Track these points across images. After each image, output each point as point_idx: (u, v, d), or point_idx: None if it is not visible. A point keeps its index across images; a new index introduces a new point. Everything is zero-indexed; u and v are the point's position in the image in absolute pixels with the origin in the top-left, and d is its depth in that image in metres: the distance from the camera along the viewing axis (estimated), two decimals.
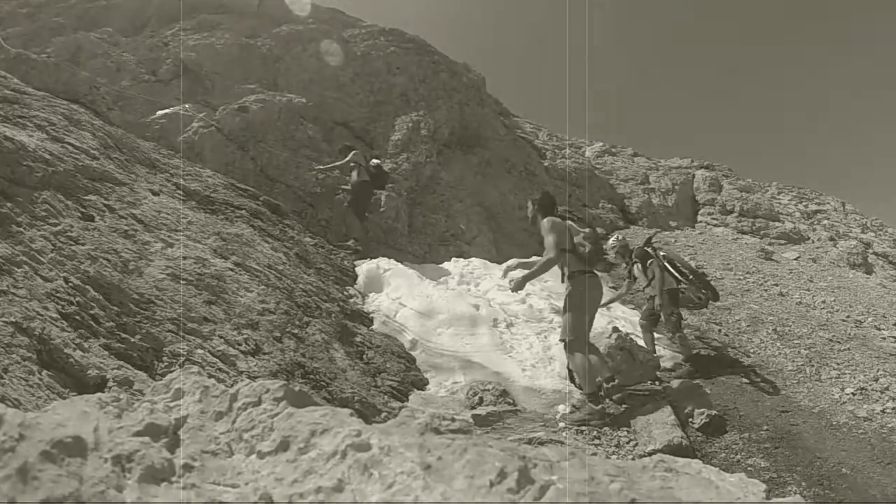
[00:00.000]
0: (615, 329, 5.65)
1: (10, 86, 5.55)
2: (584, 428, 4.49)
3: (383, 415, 4.10)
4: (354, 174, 8.39)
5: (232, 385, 1.25)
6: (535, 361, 5.61)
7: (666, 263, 6.22)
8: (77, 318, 3.06)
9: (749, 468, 4.13)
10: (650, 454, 4.02)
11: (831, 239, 14.60)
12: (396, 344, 5.46)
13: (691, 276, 6.20)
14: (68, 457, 0.90)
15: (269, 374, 3.71)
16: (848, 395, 5.66)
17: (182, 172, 6.45)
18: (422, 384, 5.04)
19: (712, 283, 6.73)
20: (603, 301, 5.75)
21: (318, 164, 9.21)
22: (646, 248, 6.50)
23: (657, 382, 5.35)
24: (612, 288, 9.16)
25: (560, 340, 4.84)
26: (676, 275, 6.18)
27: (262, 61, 11.46)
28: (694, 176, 16.93)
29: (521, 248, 10.49)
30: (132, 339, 3.22)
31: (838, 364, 6.47)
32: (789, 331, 7.51)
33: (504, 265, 5.97)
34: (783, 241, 14.20)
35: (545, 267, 4.66)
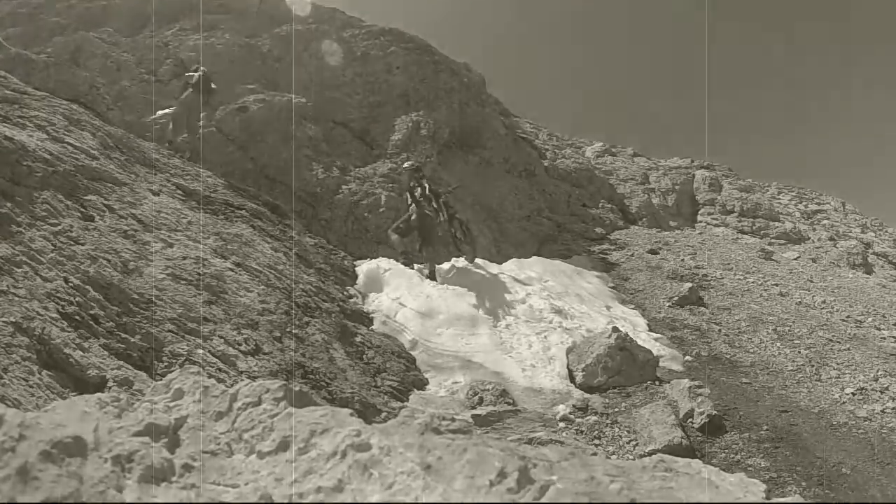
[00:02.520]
0: (615, 329, 5.64)
1: (10, 86, 5.55)
2: (583, 428, 4.49)
3: (383, 415, 4.10)
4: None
5: (232, 385, 1.25)
6: (535, 361, 5.61)
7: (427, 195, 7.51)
8: (77, 318, 3.06)
9: (749, 468, 4.13)
10: (650, 454, 4.02)
11: (831, 239, 14.61)
12: (396, 344, 5.46)
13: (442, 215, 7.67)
14: (68, 457, 0.90)
15: (269, 374, 3.71)
16: (848, 395, 5.66)
17: (182, 172, 6.45)
18: (422, 384, 5.04)
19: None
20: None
21: (316, 163, 9.21)
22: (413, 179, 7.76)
23: (657, 382, 5.35)
24: (612, 287, 9.16)
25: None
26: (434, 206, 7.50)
27: (263, 61, 11.46)
28: (694, 176, 16.93)
29: (521, 248, 10.49)
30: (132, 339, 3.22)
31: (838, 364, 6.47)
32: (789, 331, 7.51)
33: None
34: (783, 241, 14.21)
35: None
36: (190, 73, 9.16)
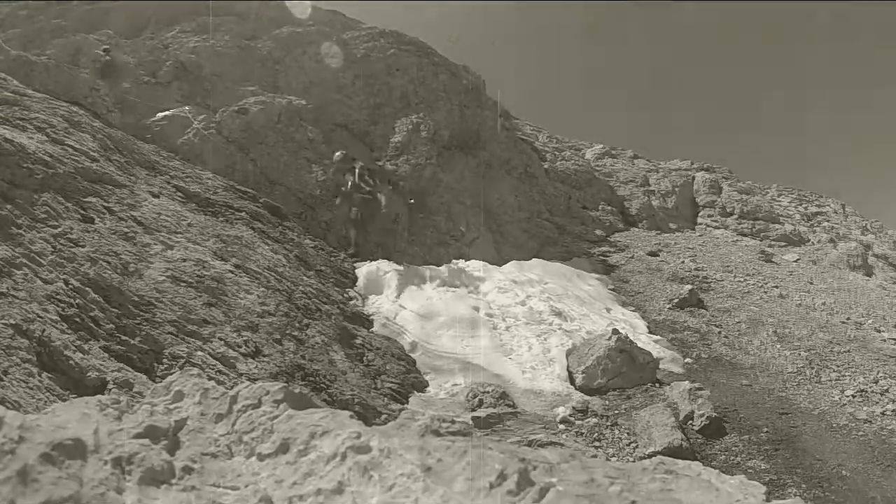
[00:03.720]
0: (615, 331, 5.64)
1: (11, 88, 5.56)
2: (583, 430, 4.49)
3: (383, 417, 4.10)
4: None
5: (232, 387, 1.25)
6: (535, 363, 5.60)
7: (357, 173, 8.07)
8: (77, 320, 3.06)
9: (749, 470, 4.12)
10: (650, 456, 4.01)
11: (831, 241, 14.60)
12: (396, 346, 5.46)
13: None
14: (68, 459, 0.90)
15: (269, 377, 3.71)
16: (848, 397, 5.65)
17: (182, 174, 6.46)
18: (422, 386, 5.04)
19: None
20: None
21: (317, 165, 9.23)
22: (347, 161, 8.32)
23: (657, 384, 5.34)
24: (612, 290, 9.16)
25: None
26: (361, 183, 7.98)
27: (262, 63, 11.47)
28: (694, 178, 16.93)
29: (521, 250, 10.49)
30: (132, 342, 3.22)
31: (838, 366, 6.46)
32: (789, 333, 7.51)
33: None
34: (783, 243, 14.21)
35: None
36: (99, 52, 10.18)
